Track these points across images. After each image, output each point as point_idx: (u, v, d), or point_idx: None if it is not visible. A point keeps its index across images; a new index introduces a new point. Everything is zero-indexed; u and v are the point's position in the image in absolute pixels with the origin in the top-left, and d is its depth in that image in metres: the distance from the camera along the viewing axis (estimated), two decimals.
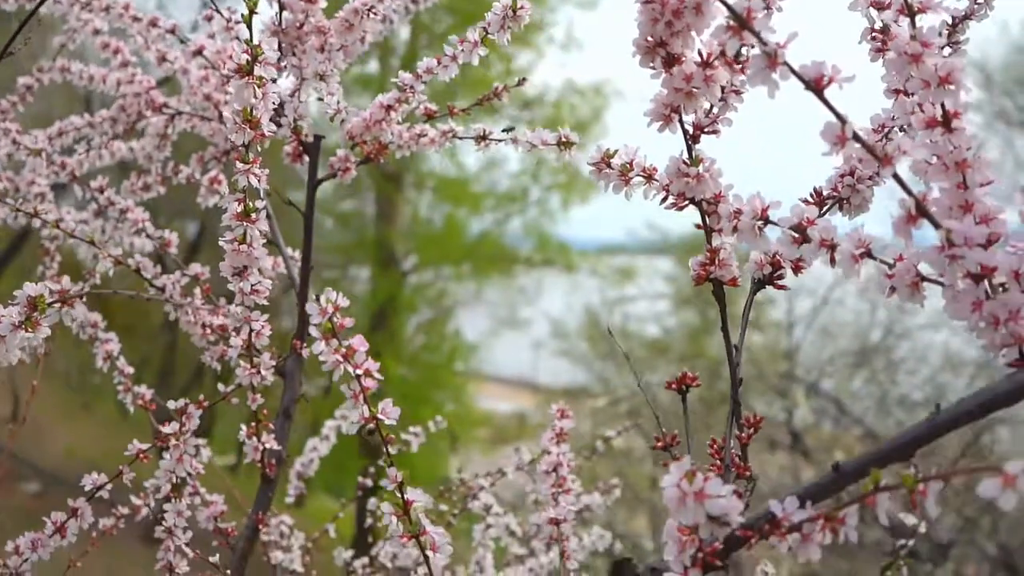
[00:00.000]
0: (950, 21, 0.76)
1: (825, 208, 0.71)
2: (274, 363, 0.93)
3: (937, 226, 0.53)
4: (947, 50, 0.75)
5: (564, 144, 0.84)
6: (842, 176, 0.71)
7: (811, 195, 0.71)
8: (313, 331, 0.64)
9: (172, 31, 1.12)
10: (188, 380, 7.42)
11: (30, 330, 0.69)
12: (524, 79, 1.05)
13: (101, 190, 1.14)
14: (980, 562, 5.96)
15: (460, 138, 0.99)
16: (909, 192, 0.53)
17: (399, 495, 0.67)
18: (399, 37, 9.49)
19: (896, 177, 0.52)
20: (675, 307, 11.08)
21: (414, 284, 12.11)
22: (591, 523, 1.76)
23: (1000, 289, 0.54)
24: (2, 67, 1.02)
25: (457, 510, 1.36)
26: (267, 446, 0.99)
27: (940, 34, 0.76)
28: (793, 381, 5.93)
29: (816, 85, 0.52)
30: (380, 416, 0.65)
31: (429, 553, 0.66)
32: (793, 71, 0.52)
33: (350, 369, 0.64)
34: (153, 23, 1.12)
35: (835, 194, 0.71)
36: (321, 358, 0.64)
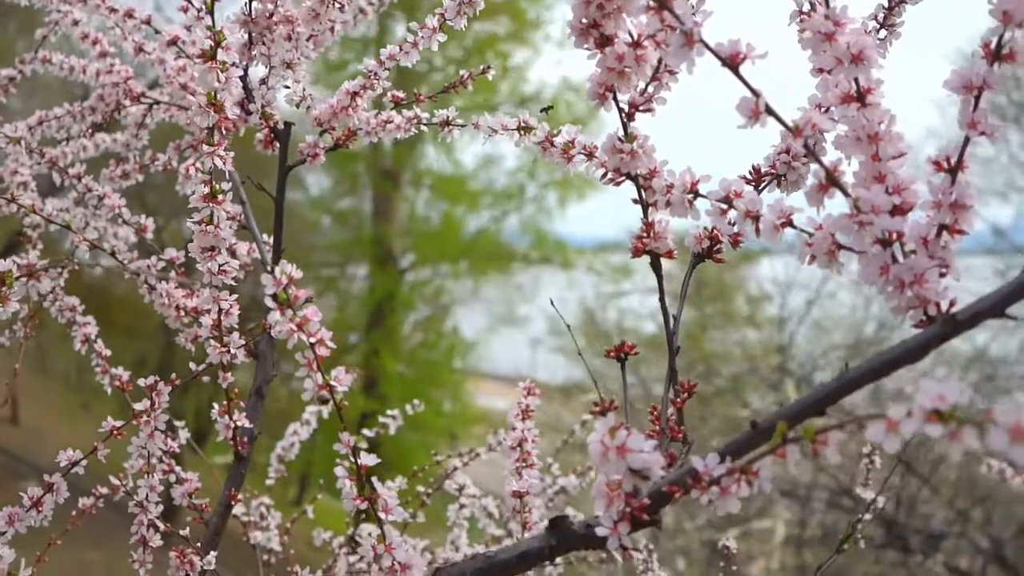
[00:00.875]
0: (887, 4, 0.79)
1: (763, 184, 0.74)
2: (243, 342, 0.96)
3: (847, 195, 0.56)
4: (883, 32, 0.78)
5: (523, 130, 0.87)
6: (779, 154, 0.74)
7: (749, 172, 0.74)
8: (268, 301, 0.66)
9: (147, 22, 1.15)
10: (185, 381, 7.48)
11: (0, 304, 0.72)
12: (488, 67, 1.08)
13: (79, 177, 1.17)
14: (973, 555, 6.00)
15: (426, 124, 1.02)
16: (820, 163, 0.56)
17: (352, 460, 0.70)
18: (395, 35, 9.51)
19: (807, 147, 0.55)
20: (671, 303, 11.09)
21: (411, 282, 12.15)
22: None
23: (912, 255, 0.57)
24: None
25: (431, 489, 1.39)
26: (238, 424, 1.02)
27: (876, 17, 0.79)
28: (785, 374, 5.96)
29: (732, 62, 0.55)
30: (333, 383, 0.69)
31: (382, 515, 0.69)
32: (709, 48, 0.55)
33: (304, 338, 0.67)
34: (129, 14, 1.15)
35: (772, 171, 0.74)
36: (276, 328, 0.67)
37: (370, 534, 0.69)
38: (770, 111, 0.55)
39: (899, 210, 0.57)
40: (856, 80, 0.58)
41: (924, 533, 5.59)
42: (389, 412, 1.43)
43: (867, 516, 1.16)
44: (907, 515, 5.87)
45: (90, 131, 1.25)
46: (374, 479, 0.70)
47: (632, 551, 0.60)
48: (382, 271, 11.27)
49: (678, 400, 0.67)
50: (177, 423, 1.19)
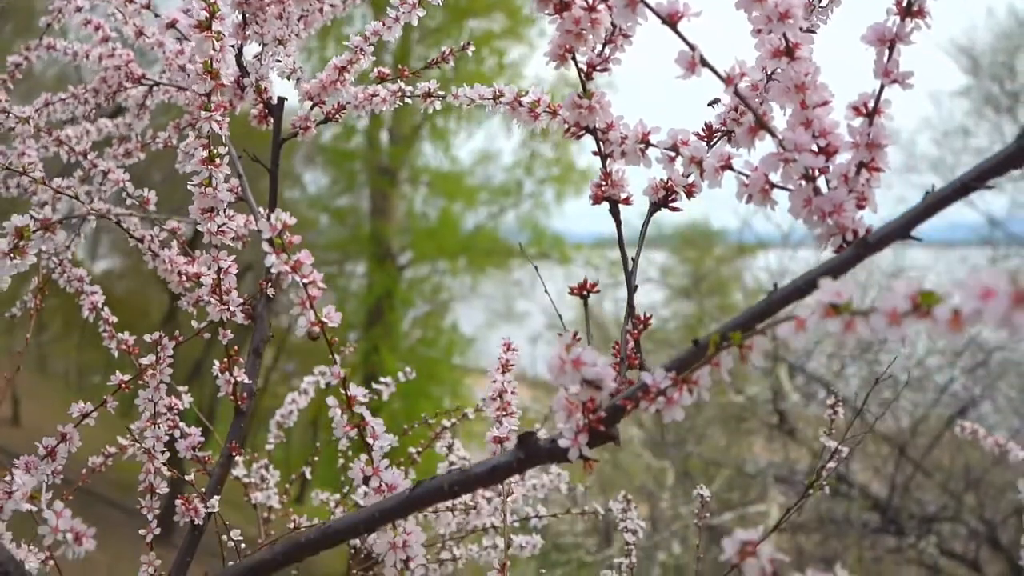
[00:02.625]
0: None
1: (715, 140, 0.81)
2: (242, 300, 1.03)
3: (775, 136, 0.63)
4: (825, 0, 0.85)
5: (496, 98, 0.93)
6: (728, 111, 0.81)
7: (702, 129, 0.81)
8: (265, 246, 0.74)
9: (147, 6, 1.22)
10: (188, 374, 7.54)
11: (17, 256, 0.79)
12: (469, 43, 1.15)
13: (85, 154, 1.24)
14: (967, 538, 6.08)
15: (410, 97, 1.09)
16: (750, 108, 0.63)
17: (343, 391, 0.77)
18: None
19: (737, 94, 0.62)
20: (670, 297, 11.19)
21: (410, 279, 12.22)
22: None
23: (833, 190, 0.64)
24: None
25: (422, 448, 1.46)
26: (238, 380, 1.09)
27: None
28: (777, 360, 6.05)
29: (671, 20, 0.62)
30: (324, 319, 0.76)
31: (370, 440, 0.76)
32: (650, 7, 0.62)
33: (298, 278, 0.74)
34: None
35: (723, 127, 0.81)
36: (272, 269, 0.74)
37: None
38: (705, 63, 0.62)
39: (826, 151, 0.64)
40: (784, 36, 0.65)
41: (918, 517, 5.68)
42: (382, 379, 1.50)
43: (831, 465, 1.23)
44: (901, 499, 5.95)
45: (93, 112, 1.32)
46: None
47: (592, 462, 0.68)
48: (380, 268, 11.34)
49: (635, 332, 0.74)
50: (182, 388, 1.26)
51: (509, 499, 1.08)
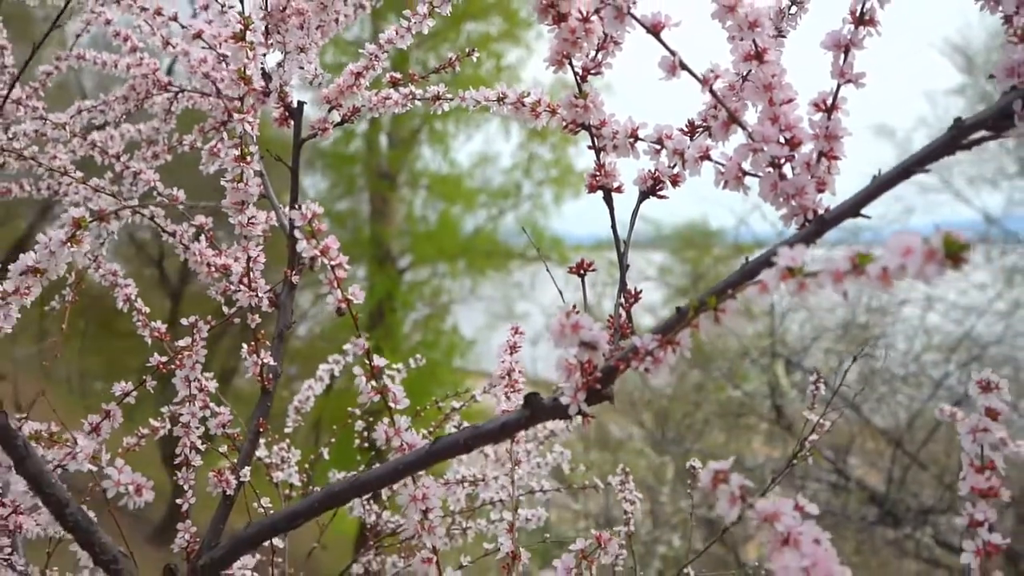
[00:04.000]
0: None
1: (697, 135, 0.91)
2: (269, 288, 1.12)
3: (745, 129, 0.72)
4: (793, 8, 0.94)
5: (500, 100, 1.03)
6: (709, 109, 0.90)
7: (685, 125, 0.91)
8: (297, 233, 0.83)
9: (174, 19, 1.31)
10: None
11: (75, 245, 0.88)
12: (474, 49, 1.24)
13: (118, 156, 1.33)
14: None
15: (419, 100, 1.19)
16: (724, 105, 0.72)
17: (367, 362, 0.86)
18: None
19: (712, 93, 0.72)
20: (670, 297, 11.27)
21: (410, 282, 12.30)
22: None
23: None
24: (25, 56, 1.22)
25: (432, 429, 1.55)
26: (265, 362, 1.18)
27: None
28: (774, 357, 6.14)
29: (655, 29, 0.72)
30: (350, 297, 0.85)
31: (392, 404, 0.86)
32: (636, 19, 0.71)
33: (326, 261, 0.83)
34: (158, 12, 1.31)
35: (704, 124, 0.90)
36: (304, 254, 0.83)
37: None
38: (684, 66, 0.71)
39: (791, 142, 0.73)
40: (755, 42, 0.74)
41: (914, 510, 5.76)
42: (396, 365, 1.59)
43: (813, 437, 1.32)
44: (898, 492, 6.04)
45: (123, 118, 1.41)
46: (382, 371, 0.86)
47: (589, 417, 0.77)
48: (381, 271, 11.42)
49: (627, 304, 0.84)
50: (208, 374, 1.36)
51: (516, 471, 1.18)
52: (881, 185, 0.66)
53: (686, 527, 5.49)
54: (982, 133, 0.65)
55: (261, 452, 1.51)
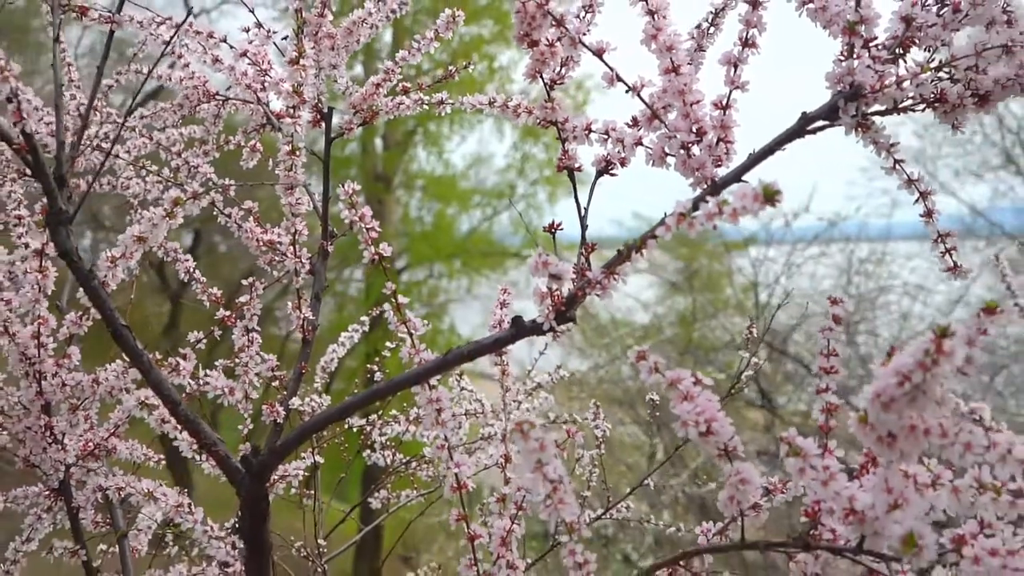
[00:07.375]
0: (714, 11, 1.25)
1: (638, 127, 1.20)
2: (310, 255, 1.42)
3: (663, 123, 1.02)
4: (711, 28, 1.24)
5: (491, 103, 1.32)
6: (644, 109, 1.20)
7: (631, 118, 1.20)
8: (339, 204, 1.12)
9: (224, 40, 1.61)
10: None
11: (171, 219, 1.18)
12: (470, 62, 1.54)
13: (179, 153, 1.63)
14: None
15: (427, 104, 1.49)
16: (647, 104, 1.02)
17: (394, 300, 1.16)
18: (383, 40, 9.99)
19: (639, 97, 1.01)
20: (664, 295, 11.57)
21: (407, 282, 12.57)
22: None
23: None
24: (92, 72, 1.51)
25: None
26: (306, 316, 1.48)
27: (708, 17, 1.25)
28: (759, 342, 6.45)
29: (599, 52, 1.01)
30: (381, 252, 1.14)
31: (412, 331, 1.15)
32: (584, 45, 1.01)
33: (362, 225, 1.13)
34: (210, 35, 1.60)
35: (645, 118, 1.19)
36: (344, 218, 1.12)
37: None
38: (619, 78, 1.01)
39: (698, 132, 1.03)
40: (671, 59, 1.04)
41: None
42: (388, 344, 1.89)
43: (749, 373, 1.61)
44: None
45: (180, 121, 1.71)
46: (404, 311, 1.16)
47: (559, 332, 1.06)
48: (378, 273, 11.66)
49: (586, 251, 1.13)
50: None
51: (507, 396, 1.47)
52: (754, 160, 0.96)
53: (676, 505, 5.80)
54: (822, 123, 0.95)
55: (294, 402, 1.80)
